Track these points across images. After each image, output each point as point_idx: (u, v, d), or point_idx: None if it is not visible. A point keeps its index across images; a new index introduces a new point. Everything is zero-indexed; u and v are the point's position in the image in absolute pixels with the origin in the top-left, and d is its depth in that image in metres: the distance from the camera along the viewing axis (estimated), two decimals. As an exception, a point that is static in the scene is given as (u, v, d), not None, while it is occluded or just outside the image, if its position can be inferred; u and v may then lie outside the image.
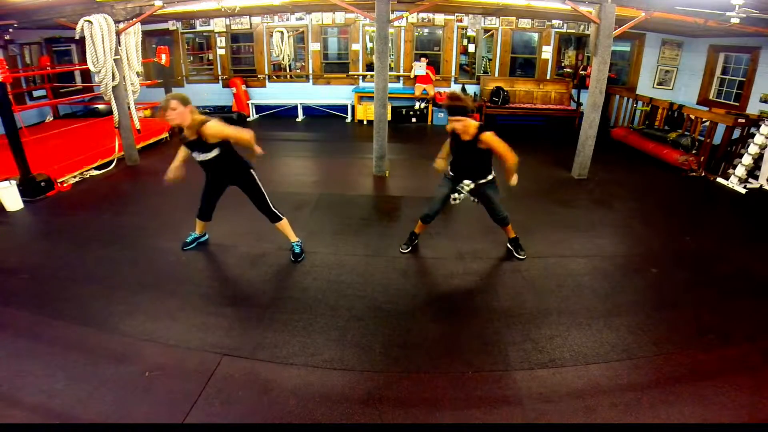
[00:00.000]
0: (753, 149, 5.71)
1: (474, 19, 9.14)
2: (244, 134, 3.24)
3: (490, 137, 3.34)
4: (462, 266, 3.77)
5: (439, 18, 9.17)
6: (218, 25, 9.37)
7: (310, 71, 9.69)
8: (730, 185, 5.87)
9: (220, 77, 9.83)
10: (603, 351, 2.74)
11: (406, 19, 8.39)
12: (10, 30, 6.64)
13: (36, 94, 8.52)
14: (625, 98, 8.58)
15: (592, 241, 4.24)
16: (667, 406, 2.32)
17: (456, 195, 3.64)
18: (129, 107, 6.16)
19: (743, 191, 5.71)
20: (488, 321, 3.03)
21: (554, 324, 3.00)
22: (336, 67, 9.89)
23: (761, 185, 5.77)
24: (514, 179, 3.51)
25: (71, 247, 3.99)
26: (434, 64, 9.38)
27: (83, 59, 6.84)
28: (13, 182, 4.78)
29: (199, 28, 9.53)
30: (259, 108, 9.93)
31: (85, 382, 2.41)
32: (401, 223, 4.56)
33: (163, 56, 7.32)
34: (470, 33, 9.59)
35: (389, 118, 7.87)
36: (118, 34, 5.65)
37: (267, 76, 9.80)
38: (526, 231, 4.33)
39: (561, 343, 2.81)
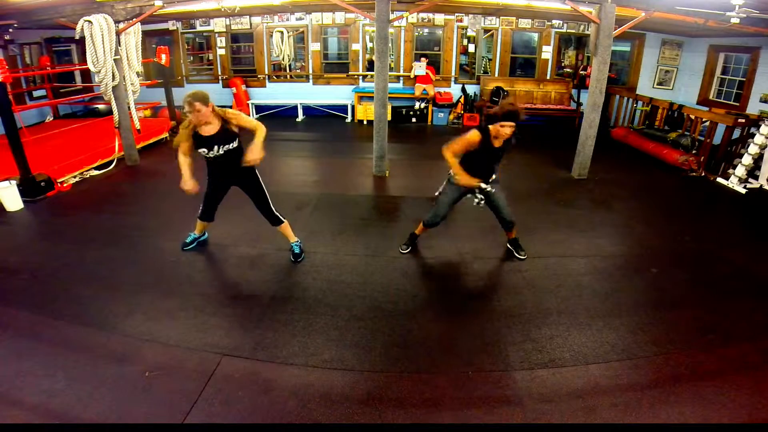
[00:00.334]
0: (753, 149, 5.71)
1: (474, 19, 9.14)
2: (260, 125, 3.26)
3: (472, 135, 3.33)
4: (462, 266, 3.77)
5: (439, 18, 9.17)
6: (218, 25, 9.37)
7: (310, 71, 9.69)
8: (730, 185, 5.87)
9: (220, 77, 9.84)
10: (603, 351, 2.74)
11: (406, 19, 8.40)
12: (10, 30, 6.64)
13: (36, 94, 8.52)
14: (625, 98, 8.58)
15: (592, 241, 4.24)
16: (667, 406, 2.32)
17: (479, 199, 3.59)
18: (129, 107, 6.16)
19: (743, 191, 5.71)
20: (488, 321, 3.03)
21: (554, 324, 3.00)
22: (336, 67, 9.89)
23: (761, 185, 5.77)
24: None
25: (71, 247, 3.99)
26: (434, 64, 9.38)
27: (83, 59, 6.84)
28: (13, 182, 4.78)
29: (199, 28, 9.53)
30: (259, 108, 9.93)
31: (85, 382, 2.41)
32: (401, 223, 4.56)
33: (163, 56, 7.33)
34: (470, 33, 9.59)
35: (389, 118, 7.86)
36: (118, 34, 5.65)
37: (267, 76, 9.80)
38: (526, 231, 4.33)
39: (561, 343, 2.81)
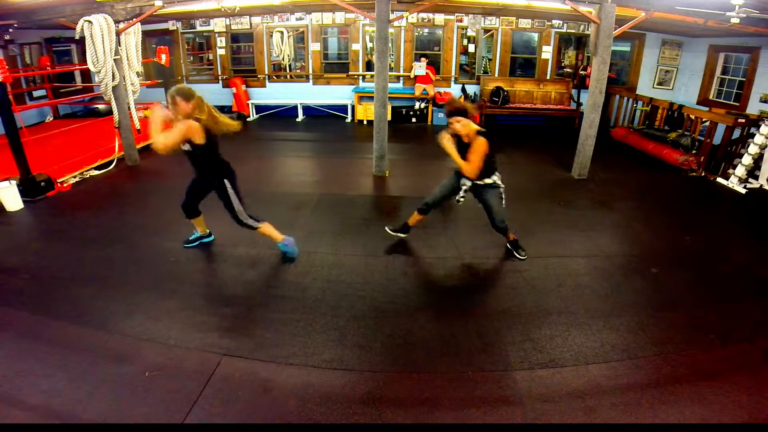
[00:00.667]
0: (753, 149, 5.71)
1: (474, 19, 9.14)
2: (159, 144, 3.12)
3: (477, 143, 3.38)
4: (462, 266, 3.77)
5: (439, 18, 9.17)
6: (218, 25, 9.37)
7: (310, 71, 9.69)
8: (730, 185, 5.87)
9: (220, 77, 9.84)
10: (603, 351, 2.74)
11: (406, 19, 8.39)
12: (10, 30, 6.64)
13: (36, 94, 8.53)
14: (625, 98, 8.59)
15: (592, 241, 4.25)
16: (667, 406, 2.32)
17: (459, 194, 3.69)
18: (129, 107, 6.16)
19: (743, 191, 5.71)
20: (488, 321, 3.03)
21: (554, 324, 3.00)
22: (336, 67, 9.89)
23: (761, 185, 5.77)
24: (446, 141, 3.49)
25: (71, 247, 3.99)
26: (434, 64, 9.38)
27: (83, 59, 6.85)
28: (13, 182, 4.78)
29: (199, 28, 9.54)
30: (259, 108, 9.93)
31: (85, 382, 2.41)
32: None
33: (163, 56, 7.31)
34: (470, 33, 9.60)
35: (389, 118, 7.86)
36: (118, 34, 5.65)
37: (267, 76, 9.80)
38: (526, 231, 4.33)
39: (561, 343, 2.81)
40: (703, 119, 6.67)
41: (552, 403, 2.34)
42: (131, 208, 4.92)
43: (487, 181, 3.60)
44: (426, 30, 9.75)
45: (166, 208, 4.90)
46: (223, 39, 9.54)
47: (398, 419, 2.25)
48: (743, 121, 5.98)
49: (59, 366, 2.53)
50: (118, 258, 3.79)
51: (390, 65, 8.71)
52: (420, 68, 9.06)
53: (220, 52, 9.64)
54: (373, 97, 6.46)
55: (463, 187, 3.66)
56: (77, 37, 5.40)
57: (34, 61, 8.56)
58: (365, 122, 9.30)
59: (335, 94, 9.78)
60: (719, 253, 4.09)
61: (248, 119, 9.70)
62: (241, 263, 3.75)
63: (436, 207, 3.89)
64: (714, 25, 5.82)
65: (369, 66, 9.55)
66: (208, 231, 3.97)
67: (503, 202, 3.72)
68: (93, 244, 4.04)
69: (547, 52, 9.31)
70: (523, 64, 9.91)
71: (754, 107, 7.06)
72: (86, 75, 9.25)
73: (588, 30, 8.70)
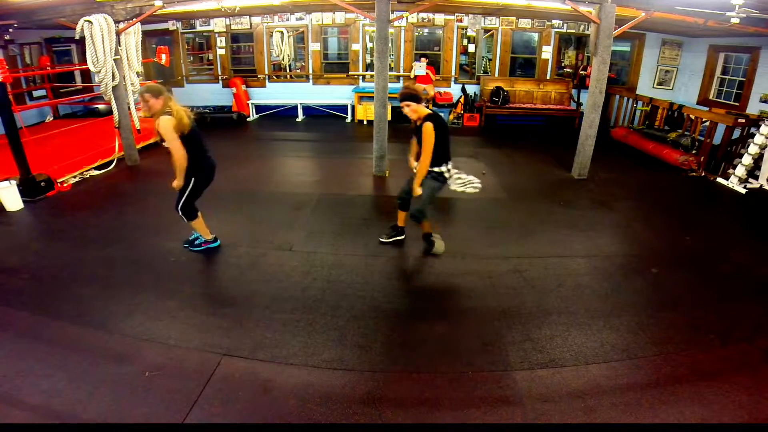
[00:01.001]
0: (753, 149, 5.70)
1: (474, 19, 9.14)
2: (180, 159, 3.30)
3: (424, 128, 3.42)
4: (462, 266, 3.77)
5: (439, 18, 9.17)
6: (218, 25, 9.37)
7: (310, 71, 9.69)
8: (730, 185, 5.87)
9: (220, 77, 9.83)
10: (603, 351, 2.74)
11: (406, 19, 8.39)
12: (10, 30, 6.64)
13: (36, 94, 8.53)
14: (625, 98, 8.59)
15: (592, 241, 4.24)
16: (667, 406, 2.32)
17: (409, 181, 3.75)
18: (129, 107, 6.16)
19: (743, 191, 5.71)
20: (488, 321, 3.03)
21: (554, 324, 3.00)
22: (336, 67, 9.89)
23: (761, 185, 5.77)
24: (416, 187, 3.56)
25: (71, 247, 3.99)
26: (434, 64, 9.37)
27: (83, 59, 6.85)
28: (13, 182, 4.78)
29: (199, 28, 9.54)
30: (259, 108, 9.93)
31: (85, 382, 2.41)
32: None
33: (163, 56, 7.31)
34: (470, 33, 9.59)
35: (389, 118, 7.85)
36: (118, 34, 5.65)
37: (267, 76, 9.80)
38: (526, 231, 4.34)
39: (561, 343, 2.81)
40: (703, 119, 6.67)
41: (552, 403, 2.34)
42: (131, 208, 4.92)
43: (435, 169, 3.58)
44: (426, 30, 9.75)
45: (166, 208, 4.88)
46: (223, 39, 9.54)
47: (398, 419, 2.25)
48: (743, 121, 5.98)
49: (59, 366, 2.53)
50: (118, 258, 3.79)
51: (390, 65, 8.70)
52: (420, 68, 9.06)
53: (220, 52, 9.64)
54: (373, 97, 6.46)
55: (413, 169, 3.70)
56: (77, 37, 5.40)
57: (34, 61, 8.55)
58: (365, 122, 9.30)
59: (335, 94, 9.78)
60: (719, 253, 4.09)
61: (248, 119, 9.70)
62: (241, 263, 3.75)
63: (411, 197, 3.83)
64: (714, 25, 5.82)
65: (369, 66, 9.54)
66: (213, 236, 3.92)
67: (433, 194, 3.67)
68: (93, 244, 4.04)
69: (547, 52, 9.31)
70: (523, 64, 9.91)
71: (754, 107, 7.06)
72: (86, 75, 9.24)
73: (588, 30, 8.70)
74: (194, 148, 3.44)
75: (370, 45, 9.55)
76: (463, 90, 9.43)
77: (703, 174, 6.27)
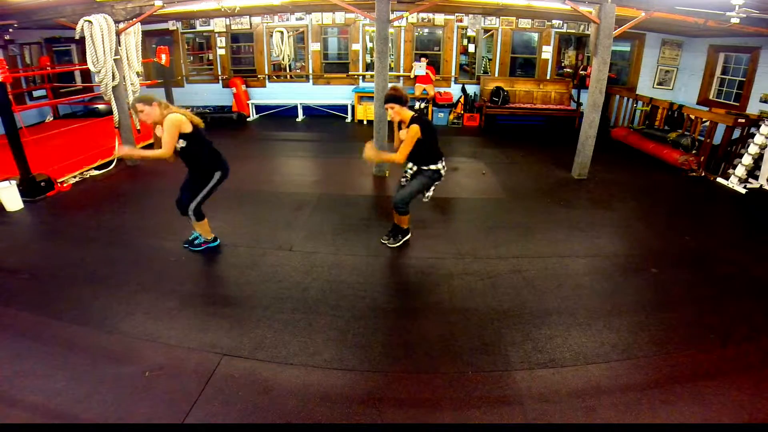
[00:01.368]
0: (753, 149, 5.70)
1: (474, 19, 9.14)
2: (162, 156, 3.33)
3: (411, 129, 3.45)
4: (462, 266, 3.77)
5: (439, 18, 9.17)
6: (218, 25, 9.37)
7: (310, 71, 9.69)
8: (730, 185, 5.87)
9: (220, 77, 9.84)
10: (603, 351, 2.74)
11: (406, 19, 8.39)
12: (10, 30, 6.65)
13: (36, 94, 8.53)
14: (625, 98, 8.59)
15: (592, 241, 4.24)
16: (667, 406, 2.32)
17: (401, 178, 3.81)
18: (129, 107, 6.15)
19: (743, 191, 5.71)
20: (488, 321, 3.03)
21: (554, 324, 3.00)
22: (336, 67, 9.89)
23: (761, 185, 5.76)
24: (374, 156, 3.59)
25: (71, 247, 3.99)
26: (434, 64, 9.38)
27: (83, 59, 6.85)
28: (13, 182, 4.78)
29: (199, 28, 9.54)
30: (259, 108, 9.93)
31: (85, 382, 2.41)
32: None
33: (163, 56, 7.33)
34: (470, 33, 9.59)
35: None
36: (118, 34, 5.65)
37: (267, 76, 9.80)
38: (526, 231, 4.34)
39: (561, 343, 2.81)
40: (703, 119, 6.67)
41: (552, 403, 2.34)
42: (131, 208, 4.92)
43: (432, 167, 3.67)
44: (426, 30, 9.75)
45: (166, 208, 4.90)
46: (223, 39, 9.54)
47: (398, 419, 2.25)
48: (743, 121, 5.98)
49: (59, 366, 2.53)
50: (118, 258, 3.79)
51: (390, 65, 8.70)
52: (420, 68, 9.06)
53: (220, 52, 9.64)
54: (373, 97, 6.45)
55: (409, 172, 3.76)
56: (77, 37, 5.40)
57: (34, 61, 8.56)
58: (365, 122, 9.30)
59: (335, 94, 9.78)
60: (719, 253, 4.09)
61: (248, 119, 9.70)
62: (241, 263, 3.75)
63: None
64: (714, 25, 5.82)
65: (369, 66, 9.54)
66: (213, 236, 3.92)
67: (427, 193, 3.76)
68: (93, 244, 4.04)
69: (547, 52, 9.32)
70: (523, 64, 9.91)
71: (754, 107, 7.06)
72: (86, 75, 9.24)
73: (588, 30, 8.71)
74: (207, 144, 3.46)
75: (370, 45, 9.55)
76: (463, 90, 9.43)
77: (703, 174, 6.27)
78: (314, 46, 9.48)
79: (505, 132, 8.86)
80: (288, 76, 9.84)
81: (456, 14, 9.03)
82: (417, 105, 9.39)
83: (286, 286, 3.42)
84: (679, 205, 5.31)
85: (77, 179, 5.73)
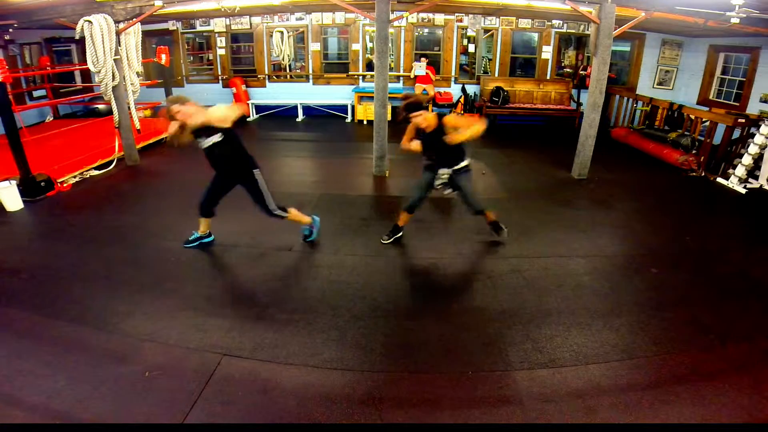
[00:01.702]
0: (753, 149, 5.70)
1: (474, 19, 9.14)
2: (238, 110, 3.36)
3: (451, 118, 3.47)
4: (462, 266, 3.77)
5: (439, 18, 9.17)
6: (218, 25, 9.37)
7: (310, 71, 9.69)
8: (730, 185, 5.87)
9: (220, 77, 9.84)
10: (603, 351, 2.74)
11: (406, 19, 8.39)
12: (10, 30, 6.64)
13: (36, 94, 8.53)
14: (625, 98, 8.58)
15: (592, 241, 4.24)
16: (667, 406, 2.32)
17: (438, 184, 3.77)
18: (129, 107, 6.16)
19: (743, 191, 5.71)
20: (488, 321, 3.03)
21: (554, 324, 3.00)
22: (336, 67, 9.89)
23: (761, 185, 5.76)
24: (456, 138, 3.48)
25: (71, 247, 3.99)
26: (434, 64, 9.37)
27: (83, 59, 6.84)
28: (13, 182, 4.78)
29: (199, 28, 9.54)
30: (259, 108, 9.93)
31: (85, 382, 2.41)
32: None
33: (163, 56, 7.33)
34: (470, 33, 9.59)
35: (389, 118, 7.85)
36: (118, 34, 5.65)
37: (267, 76, 9.80)
38: (526, 231, 4.34)
39: (561, 343, 2.81)
40: (703, 119, 6.67)
41: (552, 403, 2.34)
42: (131, 208, 4.91)
43: (462, 164, 3.68)
44: (426, 30, 9.75)
45: (166, 208, 4.91)
46: (223, 39, 9.54)
47: (398, 419, 2.25)
48: (743, 121, 5.98)
49: (59, 366, 2.53)
50: (118, 258, 3.79)
51: (390, 65, 8.71)
52: (420, 68, 9.06)
53: (220, 52, 9.64)
54: (373, 97, 6.45)
55: (443, 177, 3.72)
56: (77, 37, 5.40)
57: (34, 61, 8.55)
58: (365, 122, 9.30)
59: (335, 94, 9.78)
60: (719, 253, 4.09)
61: (248, 119, 9.70)
62: (241, 263, 3.76)
63: (421, 205, 3.95)
64: (714, 25, 5.82)
65: (369, 66, 9.54)
66: (208, 231, 3.96)
67: (471, 185, 3.81)
68: (93, 244, 4.04)
69: (547, 52, 9.31)
70: (523, 64, 9.90)
71: (754, 107, 7.06)
72: (86, 75, 9.24)
73: (588, 30, 8.70)
74: (241, 143, 3.49)
75: (370, 45, 9.55)
76: (463, 90, 9.43)
77: (703, 174, 6.27)
78: (314, 46, 9.48)
79: (505, 132, 8.86)
80: (288, 76, 9.84)
81: (456, 14, 9.03)
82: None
83: (286, 286, 3.42)
84: (679, 205, 5.31)
85: (77, 179, 5.73)
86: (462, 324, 3.01)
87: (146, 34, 7.45)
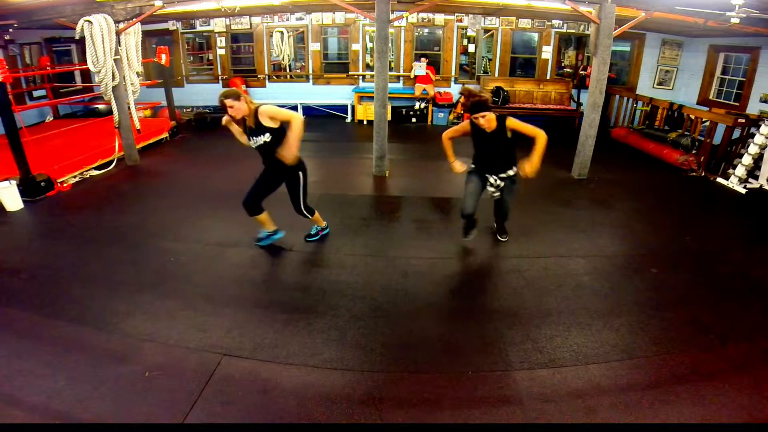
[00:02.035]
0: (753, 149, 5.70)
1: (474, 19, 9.14)
2: (296, 117, 3.30)
3: (515, 122, 3.43)
4: (462, 266, 3.77)
5: (439, 18, 9.17)
6: (218, 25, 9.37)
7: (310, 71, 9.68)
8: (730, 185, 5.87)
9: (220, 77, 9.83)
10: (603, 351, 2.74)
11: (406, 19, 8.39)
12: (10, 30, 6.64)
13: (36, 94, 8.52)
14: (625, 98, 8.58)
15: (592, 241, 4.24)
16: (667, 406, 2.32)
17: (491, 189, 3.74)
18: (129, 107, 6.15)
19: (743, 191, 5.71)
20: (488, 321, 3.03)
21: (554, 324, 3.00)
22: (336, 67, 9.88)
23: (761, 185, 5.76)
24: (534, 163, 3.44)
25: (71, 247, 3.99)
26: (434, 64, 9.37)
27: (83, 59, 6.84)
28: (13, 182, 4.78)
29: (199, 28, 9.53)
30: (259, 108, 9.91)
31: (85, 382, 2.41)
32: (401, 223, 4.57)
33: (163, 56, 7.33)
34: (470, 33, 9.59)
35: (389, 118, 7.86)
36: (118, 34, 5.65)
37: (267, 76, 9.80)
38: (526, 231, 4.34)
39: (561, 343, 2.81)
40: (703, 119, 6.67)
41: (552, 403, 2.34)
42: (131, 208, 4.91)
43: (511, 173, 3.69)
44: (426, 30, 9.74)
45: (166, 208, 4.91)
46: (223, 39, 9.54)
47: (398, 419, 2.25)
48: (743, 121, 5.98)
49: (59, 366, 2.53)
50: (118, 258, 3.79)
51: (390, 65, 8.71)
52: (420, 68, 9.06)
53: (220, 52, 9.64)
54: (373, 97, 6.45)
55: (496, 183, 3.69)
56: (77, 37, 5.40)
57: (34, 61, 8.54)
58: (365, 122, 9.30)
59: (335, 94, 9.78)
60: (719, 253, 4.09)
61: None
62: (241, 263, 3.75)
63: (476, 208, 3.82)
64: (714, 25, 5.82)
65: (369, 66, 9.54)
66: (275, 228, 3.94)
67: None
68: (93, 244, 4.04)
69: (547, 52, 9.31)
70: (523, 64, 9.90)
71: (754, 107, 7.06)
72: (86, 75, 9.23)
73: (588, 30, 8.70)
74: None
75: (370, 45, 9.55)
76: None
77: (703, 174, 6.27)
78: (314, 46, 9.48)
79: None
80: (288, 76, 9.84)
81: (456, 14, 9.03)
82: (417, 105, 9.40)
83: (286, 286, 3.42)
84: (679, 205, 5.31)
85: (77, 179, 5.73)
86: (462, 324, 3.01)
87: (146, 34, 7.44)
